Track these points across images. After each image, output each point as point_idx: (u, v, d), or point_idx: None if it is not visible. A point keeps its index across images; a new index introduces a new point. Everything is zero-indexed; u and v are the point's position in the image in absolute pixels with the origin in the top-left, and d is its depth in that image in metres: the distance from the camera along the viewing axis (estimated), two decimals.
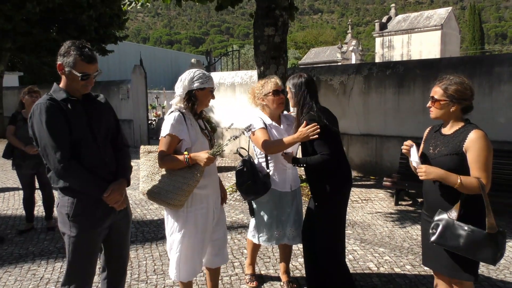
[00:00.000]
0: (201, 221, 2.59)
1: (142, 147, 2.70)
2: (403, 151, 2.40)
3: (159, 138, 2.56)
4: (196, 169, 2.46)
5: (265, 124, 3.01)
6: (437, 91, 2.29)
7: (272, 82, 3.04)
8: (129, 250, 2.57)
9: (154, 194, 2.51)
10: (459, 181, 2.11)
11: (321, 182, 2.88)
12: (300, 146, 3.01)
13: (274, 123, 3.09)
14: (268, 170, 3.04)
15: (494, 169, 5.36)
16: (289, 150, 3.00)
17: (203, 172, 2.48)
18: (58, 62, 2.17)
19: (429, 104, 2.34)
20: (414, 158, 2.30)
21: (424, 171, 2.19)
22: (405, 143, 2.38)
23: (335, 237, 2.97)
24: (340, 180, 2.91)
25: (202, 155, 2.40)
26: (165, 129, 2.49)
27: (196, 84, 2.54)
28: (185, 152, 2.46)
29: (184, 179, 2.46)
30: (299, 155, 3.02)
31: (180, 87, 2.57)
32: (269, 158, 3.07)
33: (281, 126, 3.12)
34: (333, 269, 2.97)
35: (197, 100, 2.57)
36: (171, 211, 2.59)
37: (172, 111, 2.59)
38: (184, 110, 2.57)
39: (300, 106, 2.94)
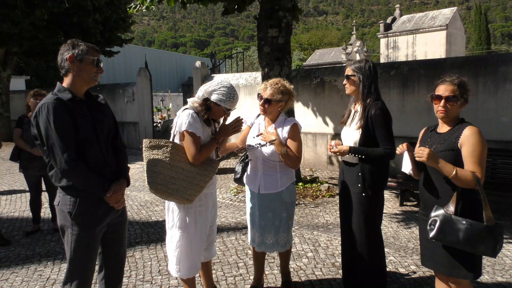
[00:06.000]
0: (200, 219, 2.68)
1: (145, 140, 2.54)
2: (397, 151, 2.45)
3: (175, 133, 2.61)
4: (211, 165, 2.58)
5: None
6: (449, 89, 2.22)
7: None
8: (126, 248, 2.61)
9: (167, 189, 2.49)
10: (454, 171, 2.12)
11: (376, 173, 2.78)
12: (358, 134, 2.79)
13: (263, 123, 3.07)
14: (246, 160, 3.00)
15: (499, 170, 5.44)
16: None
17: (216, 168, 2.62)
18: (68, 55, 2.20)
19: (442, 104, 2.24)
20: (406, 165, 2.44)
21: (428, 153, 2.14)
22: (401, 145, 2.43)
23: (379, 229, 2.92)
24: (387, 174, 2.91)
25: (226, 126, 2.66)
26: (183, 126, 2.51)
27: (214, 97, 2.58)
28: (212, 136, 2.63)
29: (201, 176, 2.54)
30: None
31: (202, 90, 2.65)
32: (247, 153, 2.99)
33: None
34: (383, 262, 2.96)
35: (209, 110, 2.62)
36: (174, 206, 2.67)
37: (186, 108, 2.64)
38: (197, 111, 2.61)
39: (365, 94, 2.74)
